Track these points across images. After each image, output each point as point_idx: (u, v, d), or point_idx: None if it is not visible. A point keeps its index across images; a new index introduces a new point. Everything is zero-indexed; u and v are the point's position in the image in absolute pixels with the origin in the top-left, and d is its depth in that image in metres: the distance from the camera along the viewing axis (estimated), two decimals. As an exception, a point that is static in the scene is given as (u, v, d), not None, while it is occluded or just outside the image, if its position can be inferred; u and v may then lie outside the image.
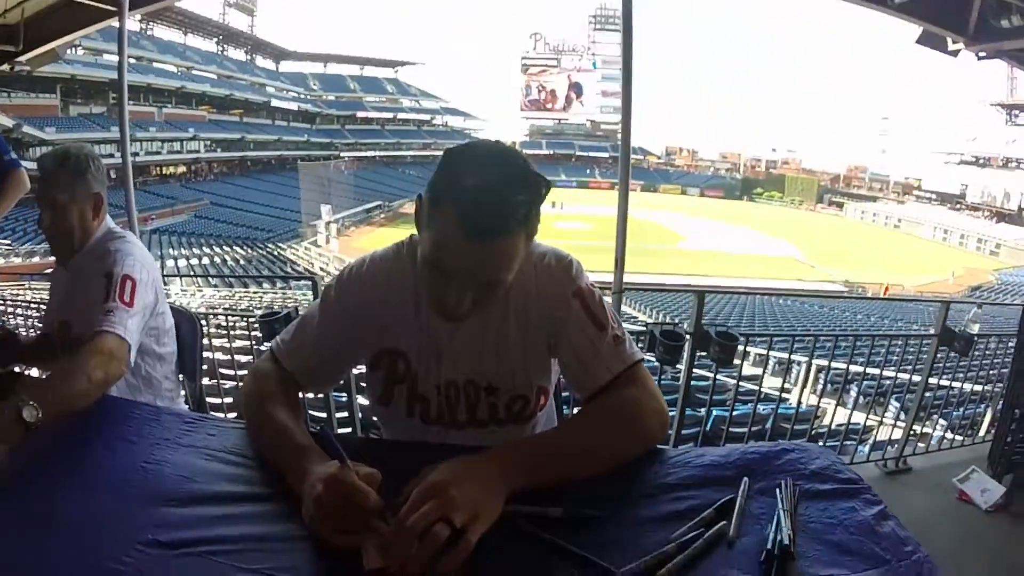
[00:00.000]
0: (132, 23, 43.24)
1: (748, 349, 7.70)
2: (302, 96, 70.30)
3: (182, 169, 51.44)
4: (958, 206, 61.38)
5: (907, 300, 25.71)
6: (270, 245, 36.00)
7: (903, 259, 43.37)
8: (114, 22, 4.58)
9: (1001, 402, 3.98)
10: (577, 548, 0.88)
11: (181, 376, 2.16)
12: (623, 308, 4.43)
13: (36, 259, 20.48)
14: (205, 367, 2.68)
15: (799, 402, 5.04)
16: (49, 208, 1.79)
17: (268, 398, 1.20)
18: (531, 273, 1.22)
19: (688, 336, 3.36)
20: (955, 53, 5.35)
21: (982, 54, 5.25)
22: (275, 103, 65.06)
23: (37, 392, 1.23)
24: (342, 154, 64.75)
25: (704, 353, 3.43)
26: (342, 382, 3.42)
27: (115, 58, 4.59)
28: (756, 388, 4.88)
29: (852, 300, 27.18)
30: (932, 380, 4.21)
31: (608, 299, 3.58)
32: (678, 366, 3.46)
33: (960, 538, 3.18)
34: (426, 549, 0.82)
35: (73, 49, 38.98)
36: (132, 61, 45.94)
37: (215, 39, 65.06)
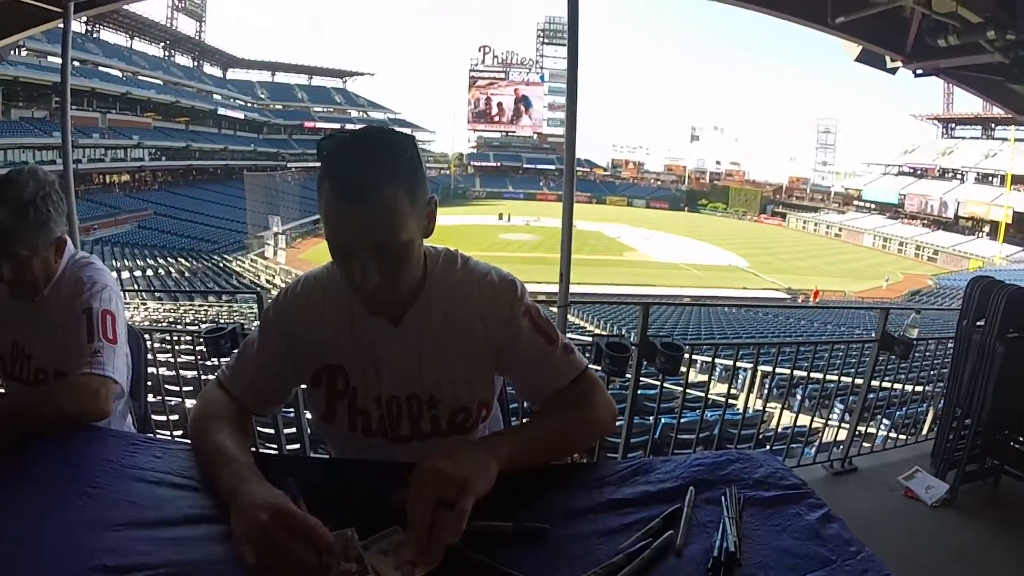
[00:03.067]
0: (78, 25, 42.04)
1: (695, 357, 7.83)
2: (249, 105, 69.29)
3: (126, 178, 50.05)
4: (897, 215, 63.68)
5: (849, 307, 26.38)
6: (215, 257, 35.24)
7: (845, 266, 44.66)
8: (59, 23, 4.42)
9: (942, 402, 4.12)
10: (522, 572, 0.88)
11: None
12: (569, 319, 4.45)
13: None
14: (149, 383, 2.61)
15: (745, 407, 5.13)
16: (8, 260, 1.60)
17: (213, 423, 1.19)
18: (474, 288, 1.27)
19: (634, 347, 3.39)
20: (893, 70, 5.53)
21: (919, 71, 5.43)
22: (222, 111, 64.06)
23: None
24: (289, 164, 63.94)
25: (651, 363, 3.47)
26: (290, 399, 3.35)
27: (60, 60, 4.43)
28: (703, 395, 4.95)
29: (796, 308, 27.78)
30: (875, 383, 4.31)
31: (554, 311, 3.63)
32: (626, 376, 3.48)
33: (907, 533, 3.27)
34: (449, 536, 0.89)
35: (16, 50, 37.78)
36: (76, 64, 44.62)
37: (162, 44, 63.66)
